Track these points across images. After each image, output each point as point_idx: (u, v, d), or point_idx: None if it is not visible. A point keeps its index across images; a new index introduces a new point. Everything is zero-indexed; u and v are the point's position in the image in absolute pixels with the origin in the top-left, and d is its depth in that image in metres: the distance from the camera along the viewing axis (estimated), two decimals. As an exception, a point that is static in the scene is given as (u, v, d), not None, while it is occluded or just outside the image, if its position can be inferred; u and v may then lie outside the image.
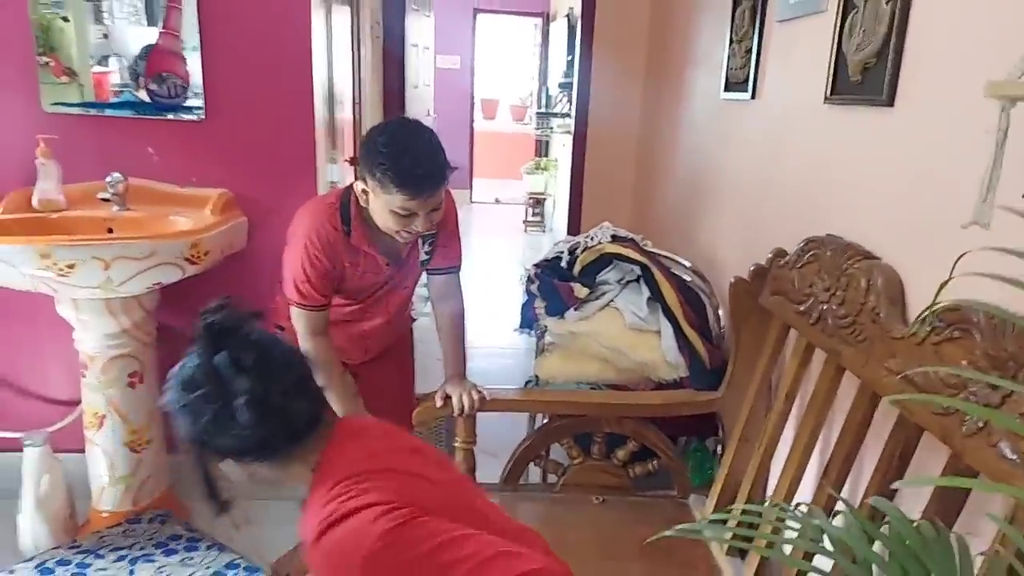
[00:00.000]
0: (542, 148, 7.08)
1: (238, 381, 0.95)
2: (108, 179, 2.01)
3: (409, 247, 1.73)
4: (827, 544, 0.74)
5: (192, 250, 1.84)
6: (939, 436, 1.06)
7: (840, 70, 1.52)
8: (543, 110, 6.96)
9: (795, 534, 0.73)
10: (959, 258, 0.79)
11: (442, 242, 1.78)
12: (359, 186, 1.56)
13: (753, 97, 2.03)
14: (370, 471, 0.98)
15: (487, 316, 4.45)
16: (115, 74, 2.10)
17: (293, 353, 1.05)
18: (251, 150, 2.14)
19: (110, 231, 1.94)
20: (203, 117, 2.10)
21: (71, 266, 1.69)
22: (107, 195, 2.01)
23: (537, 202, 6.87)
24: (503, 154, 8.44)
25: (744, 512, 0.78)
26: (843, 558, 0.68)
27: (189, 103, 2.09)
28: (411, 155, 1.45)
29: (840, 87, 1.53)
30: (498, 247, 6.26)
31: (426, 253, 1.77)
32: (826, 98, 1.58)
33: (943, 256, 0.94)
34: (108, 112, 2.09)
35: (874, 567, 0.70)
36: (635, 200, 3.54)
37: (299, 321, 1.67)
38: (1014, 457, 0.90)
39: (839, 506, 0.79)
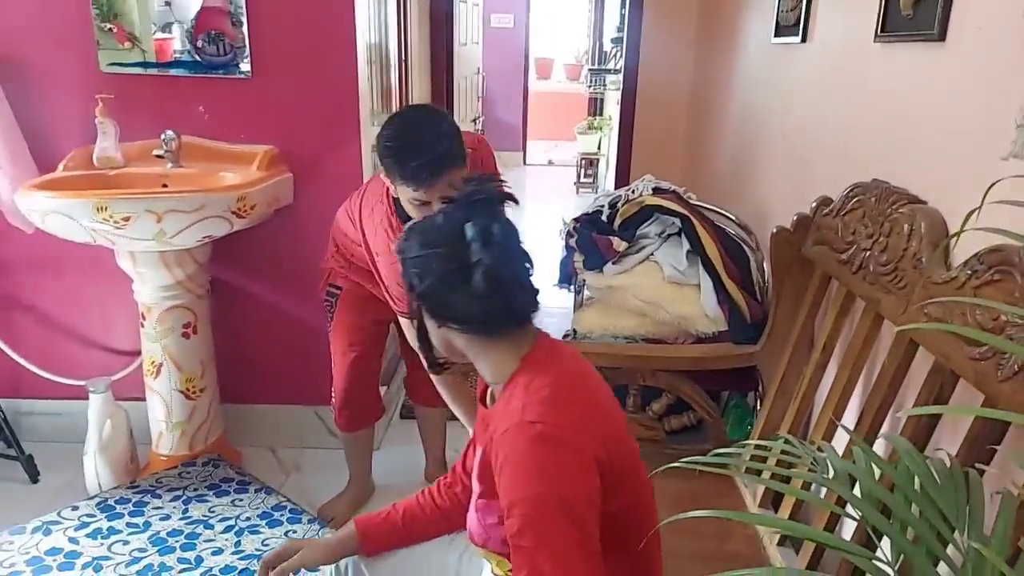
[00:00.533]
0: (596, 106, 6.94)
1: (482, 251, 0.95)
2: (162, 136, 2.08)
3: None
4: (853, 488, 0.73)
5: (239, 203, 1.89)
6: (973, 382, 1.02)
7: (891, 5, 1.44)
8: (596, 66, 6.82)
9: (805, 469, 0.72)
10: (990, 187, 0.75)
11: None
12: (384, 179, 1.58)
13: (804, 40, 1.95)
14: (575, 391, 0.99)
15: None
16: (176, 40, 2.16)
17: (526, 250, 1.06)
18: (296, 107, 2.18)
19: (164, 186, 2.01)
20: (250, 74, 2.15)
21: (126, 219, 1.77)
22: (161, 152, 2.09)
23: (590, 163, 6.77)
24: (558, 114, 8.33)
25: (757, 447, 0.77)
26: (848, 491, 0.67)
27: (237, 61, 2.14)
28: (414, 148, 1.46)
29: (891, 23, 1.46)
30: (549, 210, 6.21)
31: None
32: (876, 36, 1.50)
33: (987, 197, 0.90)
34: (161, 71, 2.16)
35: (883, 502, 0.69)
36: (687, 155, 3.46)
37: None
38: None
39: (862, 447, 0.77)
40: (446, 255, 0.97)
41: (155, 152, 2.09)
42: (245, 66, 2.14)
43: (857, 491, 0.71)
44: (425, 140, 1.47)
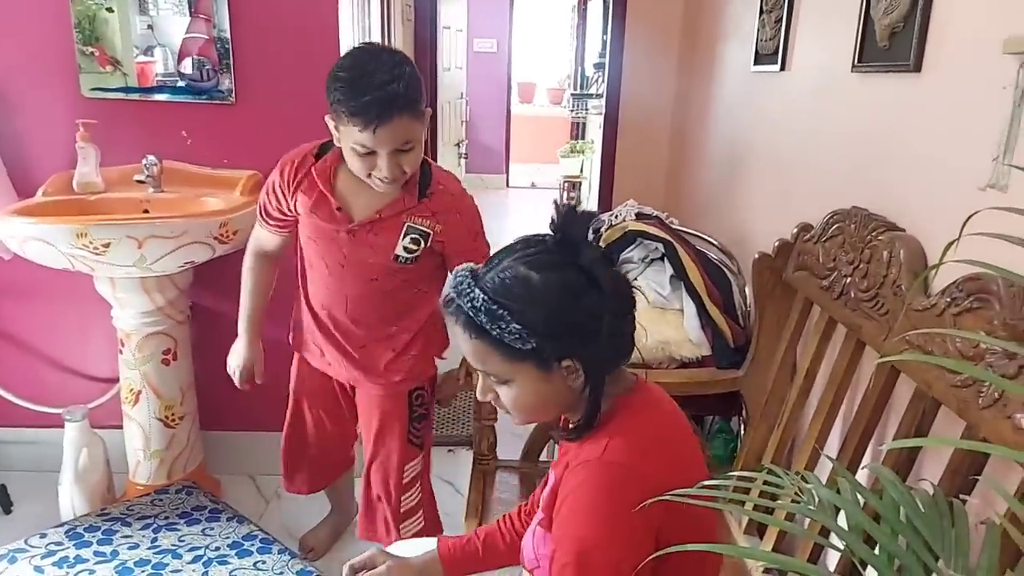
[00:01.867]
0: (578, 130, 7.01)
1: (606, 279, 0.91)
2: (144, 162, 2.06)
3: (380, 221, 1.51)
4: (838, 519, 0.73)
5: (222, 229, 1.88)
6: (955, 409, 1.03)
7: (868, 37, 1.48)
8: (578, 91, 6.89)
9: (789, 500, 0.72)
10: (968, 218, 0.77)
11: (455, 250, 1.56)
12: (329, 121, 1.44)
13: (782, 68, 1.98)
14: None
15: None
16: (159, 63, 2.15)
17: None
18: (280, 133, 2.17)
19: (146, 212, 1.99)
20: (233, 100, 2.15)
21: (106, 245, 1.75)
22: (143, 177, 2.07)
23: (572, 186, 6.81)
24: (541, 138, 8.40)
25: (739, 479, 0.77)
26: (833, 522, 0.66)
27: (220, 87, 2.14)
28: (366, 80, 1.30)
29: (868, 54, 1.49)
30: (533, 232, 6.24)
31: (407, 249, 1.52)
32: (854, 66, 1.54)
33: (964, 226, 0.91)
34: (144, 96, 2.15)
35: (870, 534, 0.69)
36: (668, 180, 3.49)
37: (252, 236, 1.73)
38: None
39: (848, 478, 0.77)
40: (588, 303, 0.90)
41: (136, 177, 2.07)
42: (228, 92, 2.14)
43: (842, 521, 0.71)
44: (381, 73, 1.31)
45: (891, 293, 1.26)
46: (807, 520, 1.18)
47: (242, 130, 2.17)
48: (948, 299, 1.10)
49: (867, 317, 1.30)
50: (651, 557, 0.78)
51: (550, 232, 0.94)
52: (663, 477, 0.86)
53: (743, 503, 0.84)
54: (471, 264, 0.97)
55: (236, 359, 1.84)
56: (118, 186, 2.10)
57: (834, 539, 1.07)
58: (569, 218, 0.92)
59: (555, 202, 0.95)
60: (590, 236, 0.94)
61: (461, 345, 0.96)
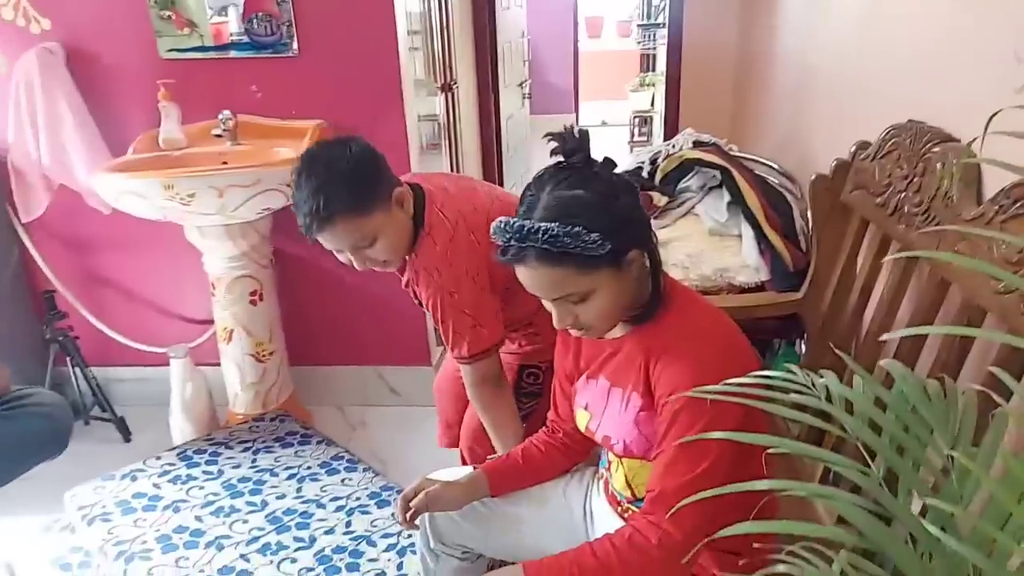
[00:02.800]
0: (648, 63, 6.83)
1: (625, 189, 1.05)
2: (220, 116, 2.20)
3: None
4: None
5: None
6: (999, 315, 1.04)
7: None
8: (646, 21, 6.68)
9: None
10: (992, 116, 0.77)
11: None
12: None
13: (843, -18, 1.91)
14: None
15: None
16: (232, 23, 2.27)
17: None
18: (342, 82, 2.27)
19: (225, 163, 2.14)
20: (297, 52, 2.24)
21: (191, 195, 1.90)
22: (220, 131, 2.21)
23: (644, 121, 6.69)
24: (611, 73, 8.20)
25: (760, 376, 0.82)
26: (841, 411, 0.71)
27: (284, 40, 2.23)
28: (297, 202, 1.36)
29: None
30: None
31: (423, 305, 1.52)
32: (911, -27, 1.48)
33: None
34: (217, 55, 2.27)
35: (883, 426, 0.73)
36: (733, 108, 3.41)
37: None
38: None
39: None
40: (614, 195, 1.02)
41: (214, 132, 2.22)
42: (292, 45, 2.23)
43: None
44: (304, 193, 1.33)
45: (943, 205, 1.24)
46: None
47: (306, 82, 2.27)
48: (996, 207, 1.09)
49: (919, 231, 1.30)
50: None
51: (561, 159, 1.05)
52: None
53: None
54: (507, 217, 1.03)
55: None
56: (199, 141, 2.26)
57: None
58: (581, 140, 1.05)
59: (552, 133, 1.06)
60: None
61: (531, 284, 1.04)
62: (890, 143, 1.47)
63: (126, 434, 2.44)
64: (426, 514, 1.28)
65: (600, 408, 1.16)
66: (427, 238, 1.43)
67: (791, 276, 1.86)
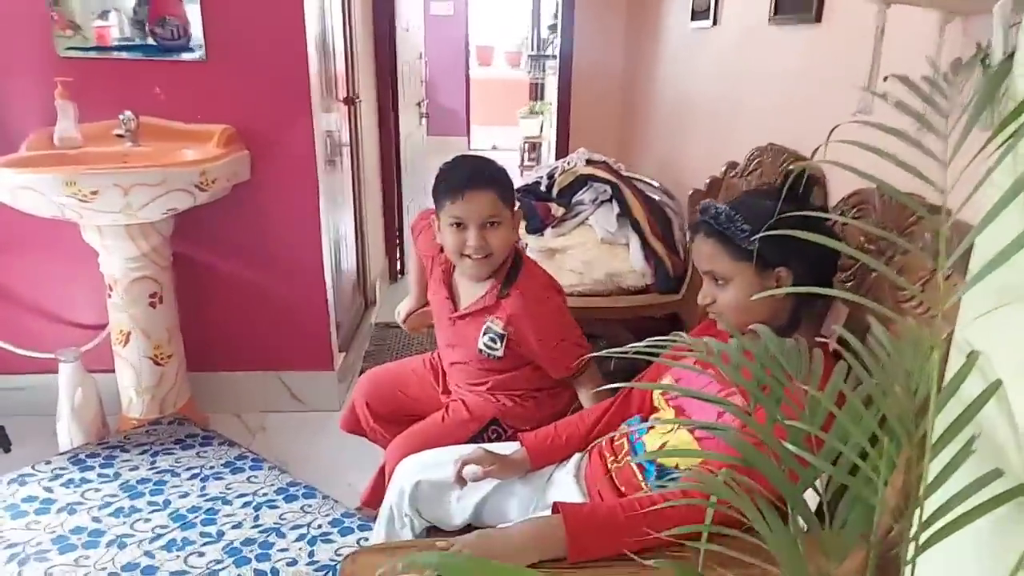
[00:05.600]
0: (537, 91, 7.15)
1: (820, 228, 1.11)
2: (121, 117, 2.18)
3: (470, 315, 1.61)
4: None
5: (202, 177, 2.02)
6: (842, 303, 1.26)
7: (781, -8, 1.68)
8: (535, 52, 7.02)
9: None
10: (832, 130, 0.97)
11: (533, 354, 1.59)
12: (434, 221, 1.61)
13: (714, 23, 2.18)
14: None
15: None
16: (115, 28, 2.25)
17: None
18: (250, 90, 2.30)
19: (125, 163, 2.12)
20: (204, 58, 2.26)
21: (94, 192, 1.88)
22: (121, 132, 2.19)
23: (533, 146, 6.98)
24: (500, 100, 8.51)
25: (656, 342, 0.98)
26: (721, 364, 0.88)
27: (191, 45, 2.25)
28: (460, 162, 1.57)
29: (782, 6, 1.69)
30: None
31: (487, 346, 1.59)
32: (770, 18, 1.74)
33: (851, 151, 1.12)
34: (117, 55, 2.25)
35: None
36: (619, 134, 3.69)
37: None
38: (853, 296, 1.10)
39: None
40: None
41: (115, 132, 2.19)
42: (199, 50, 2.25)
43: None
44: (474, 160, 1.57)
45: (796, 212, 1.47)
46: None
47: (214, 87, 2.29)
48: (839, 211, 1.32)
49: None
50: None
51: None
52: None
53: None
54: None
55: (403, 305, 1.97)
56: (97, 141, 2.22)
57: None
58: (801, 175, 1.16)
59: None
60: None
61: (700, 256, 1.21)
62: (754, 162, 1.71)
63: (6, 445, 2.31)
64: (414, 479, 1.37)
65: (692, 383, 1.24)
66: (530, 263, 1.64)
67: (672, 280, 2.08)
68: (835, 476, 0.80)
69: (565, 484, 1.35)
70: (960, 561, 0.84)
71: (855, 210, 1.29)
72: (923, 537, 0.78)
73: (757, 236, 1.11)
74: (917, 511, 0.80)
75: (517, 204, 1.59)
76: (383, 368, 1.87)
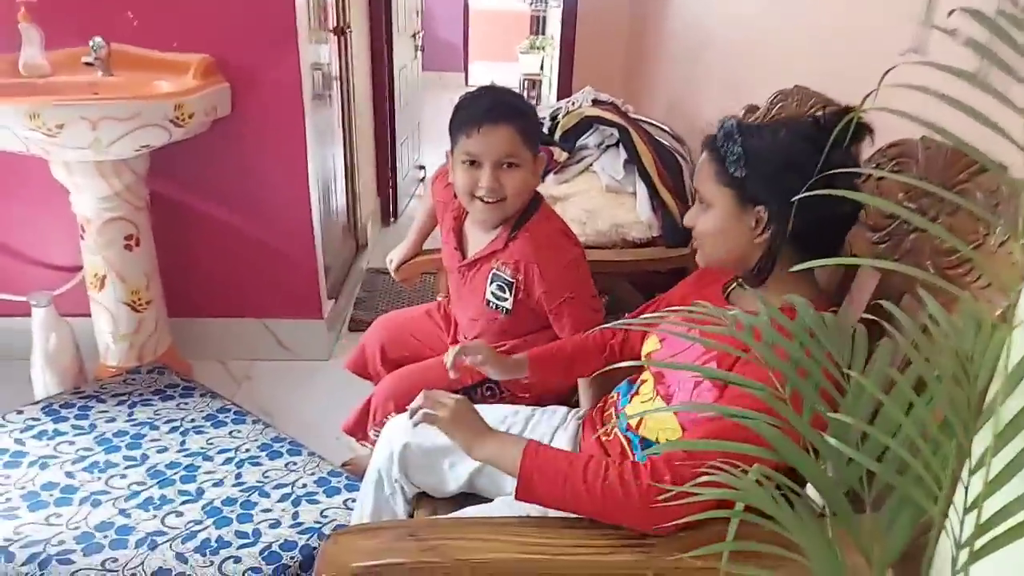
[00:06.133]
0: (538, 25, 6.86)
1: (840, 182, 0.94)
2: (91, 43, 2.01)
3: (476, 263, 1.51)
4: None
5: (177, 112, 1.87)
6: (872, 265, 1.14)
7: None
8: (538, -18, 6.70)
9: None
10: (886, 72, 0.84)
11: (542, 307, 1.45)
12: (447, 158, 1.51)
13: (737, -48, 2.00)
14: None
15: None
16: None
17: None
18: (230, 15, 2.12)
19: (96, 94, 1.96)
20: (180, -22, 2.08)
21: (60, 126, 1.73)
22: (91, 59, 2.02)
23: (532, 84, 6.72)
24: (500, 34, 8.16)
25: (675, 310, 0.87)
26: (752, 339, 0.77)
27: (165, -36, 2.06)
28: (481, 92, 1.44)
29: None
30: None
31: (495, 295, 1.48)
32: (802, -54, 1.57)
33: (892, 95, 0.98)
34: (84, -26, 2.07)
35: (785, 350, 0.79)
36: (626, 73, 3.50)
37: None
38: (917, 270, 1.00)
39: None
40: (806, 152, 0.96)
41: (84, 59, 2.02)
42: (175, -31, 2.07)
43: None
44: (495, 91, 1.46)
45: (825, 164, 1.34)
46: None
47: (191, 11, 2.11)
48: (874, 165, 1.19)
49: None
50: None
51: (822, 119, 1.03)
52: None
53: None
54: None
55: (396, 252, 1.86)
56: (65, 70, 2.05)
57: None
58: (840, 119, 0.91)
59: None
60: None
61: (698, 170, 1.13)
62: (778, 107, 1.56)
63: (-22, 390, 2.22)
64: (400, 443, 1.29)
65: (676, 353, 1.13)
66: (547, 208, 1.52)
67: (680, 233, 1.95)
68: (882, 475, 0.70)
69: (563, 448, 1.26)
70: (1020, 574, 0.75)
71: (893, 163, 1.16)
72: (979, 543, 0.69)
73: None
74: (972, 512, 0.71)
75: (538, 151, 1.46)
76: (397, 313, 1.84)
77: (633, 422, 1.15)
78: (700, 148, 1.13)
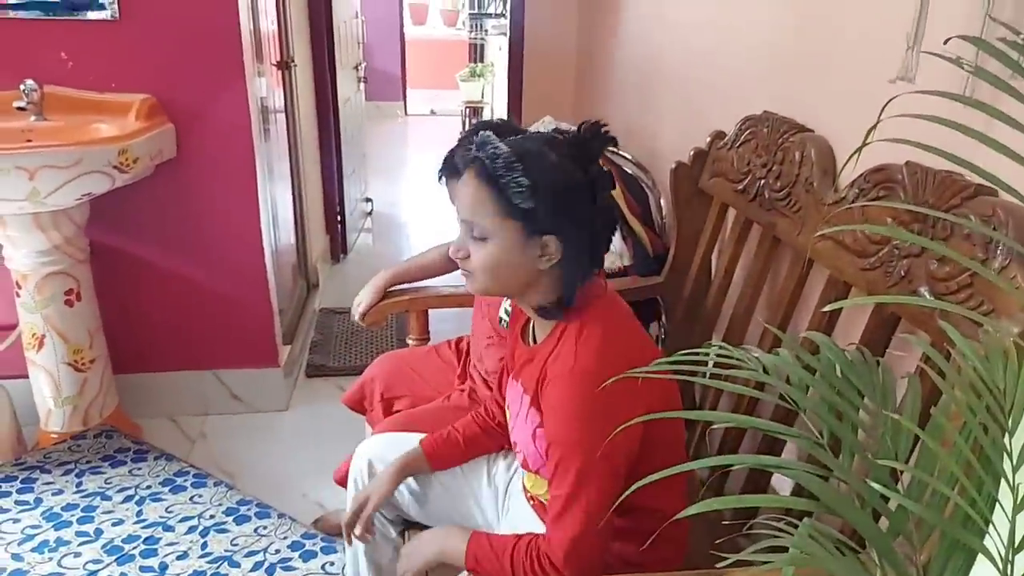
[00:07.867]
0: (477, 53, 6.88)
1: (602, 196, 1.01)
2: (22, 87, 1.88)
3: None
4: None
5: (121, 157, 1.76)
6: (865, 291, 1.13)
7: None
8: (476, 11, 6.73)
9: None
10: (887, 103, 0.83)
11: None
12: None
13: (689, -22, 2.02)
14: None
15: (430, 233, 4.45)
16: None
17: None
18: (172, 52, 2.03)
19: (29, 141, 1.83)
20: (117, 16, 1.97)
21: (-10, 178, 1.61)
22: (23, 104, 1.89)
23: (475, 111, 6.73)
24: (438, 62, 8.16)
25: (688, 354, 0.83)
26: (783, 383, 0.73)
27: (100, 1, 1.95)
28: (478, 127, 1.29)
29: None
30: (433, 162, 6.13)
31: (506, 311, 1.49)
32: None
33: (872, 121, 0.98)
34: (14, 14, 1.94)
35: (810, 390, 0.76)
36: (576, 100, 3.51)
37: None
38: (930, 298, 0.98)
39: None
40: (581, 194, 0.99)
41: (16, 104, 1.89)
42: (109, 7, 1.96)
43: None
44: (492, 125, 1.37)
45: (803, 191, 1.35)
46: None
47: (130, 50, 2.01)
48: (857, 190, 1.19)
49: (781, 215, 1.40)
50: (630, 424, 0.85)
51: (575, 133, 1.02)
52: (636, 362, 0.88)
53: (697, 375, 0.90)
54: (495, 128, 1.05)
55: (363, 297, 1.75)
56: (-6, 115, 1.92)
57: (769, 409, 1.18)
58: (594, 131, 1.01)
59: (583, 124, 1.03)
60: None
61: (462, 198, 1.02)
62: (747, 133, 1.57)
63: (-99, 466, 2.02)
64: (367, 459, 1.30)
65: (515, 411, 1.13)
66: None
67: (651, 261, 1.94)
68: (930, 520, 0.67)
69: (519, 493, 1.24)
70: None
71: (878, 188, 1.16)
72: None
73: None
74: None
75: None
76: (402, 350, 1.82)
77: (529, 486, 1.17)
78: (460, 169, 1.04)
